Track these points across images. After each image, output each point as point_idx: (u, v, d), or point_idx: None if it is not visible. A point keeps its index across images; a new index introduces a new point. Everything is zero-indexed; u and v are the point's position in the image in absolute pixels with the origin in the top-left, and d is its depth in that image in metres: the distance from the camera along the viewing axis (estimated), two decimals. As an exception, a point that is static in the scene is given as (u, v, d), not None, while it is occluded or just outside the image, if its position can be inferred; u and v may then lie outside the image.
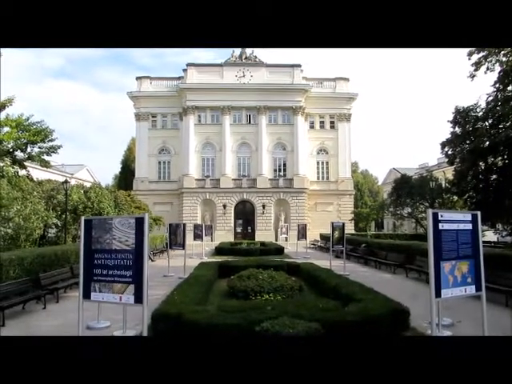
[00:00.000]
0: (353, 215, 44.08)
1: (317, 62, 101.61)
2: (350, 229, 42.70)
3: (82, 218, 5.02)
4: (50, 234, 22.92)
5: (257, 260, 15.71)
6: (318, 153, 44.24)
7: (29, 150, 14.64)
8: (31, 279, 10.43)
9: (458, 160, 25.04)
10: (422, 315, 7.44)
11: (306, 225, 26.81)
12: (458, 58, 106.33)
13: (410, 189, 26.24)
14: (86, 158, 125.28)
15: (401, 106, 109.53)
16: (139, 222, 4.56)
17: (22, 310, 9.71)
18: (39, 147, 14.52)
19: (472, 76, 24.33)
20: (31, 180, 15.83)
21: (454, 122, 24.91)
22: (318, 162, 44.20)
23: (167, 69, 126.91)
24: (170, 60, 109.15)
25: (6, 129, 13.99)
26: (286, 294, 9.35)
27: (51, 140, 14.78)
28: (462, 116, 24.74)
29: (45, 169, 30.90)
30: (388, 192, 59.06)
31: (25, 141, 13.94)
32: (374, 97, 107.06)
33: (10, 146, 14.14)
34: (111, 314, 7.78)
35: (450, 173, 30.05)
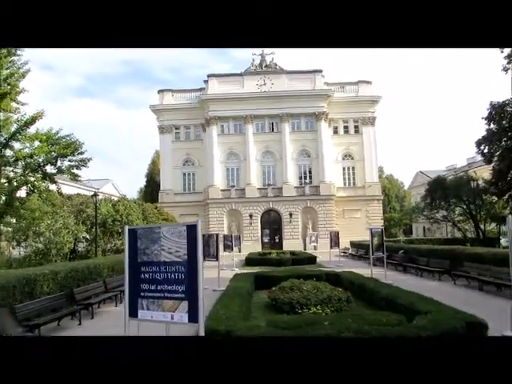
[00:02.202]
0: (382, 221, 42.92)
1: (337, 67, 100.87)
2: (379, 235, 41.52)
3: (126, 228, 4.53)
4: (80, 248, 22.90)
5: (292, 270, 15.04)
6: (344, 158, 43.30)
7: (59, 163, 14.47)
8: (65, 294, 10.09)
9: (495, 158, 23.83)
10: (492, 327, 6.64)
11: (338, 232, 25.90)
12: (479, 56, 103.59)
13: (445, 191, 25.07)
14: (110, 173, 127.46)
15: (423, 107, 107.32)
16: (191, 230, 4.04)
17: (57, 326, 9.34)
18: (69, 160, 14.34)
19: (506, 69, 23.26)
20: (61, 194, 15.66)
21: (489, 119, 23.77)
22: (343, 168, 43.23)
23: (186, 82, 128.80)
24: (188, 74, 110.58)
25: (37, 143, 13.92)
26: (335, 306, 8.67)
27: (81, 153, 14.60)
28: (497, 112, 23.58)
29: (72, 183, 31.28)
30: (420, 195, 57.58)
31: (55, 154, 13.78)
32: (395, 99, 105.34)
33: (40, 160, 14.04)
34: (151, 331, 7.26)
35: (482, 173, 28.71)
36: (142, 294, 4.34)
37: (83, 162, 14.75)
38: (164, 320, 4.18)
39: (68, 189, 27.57)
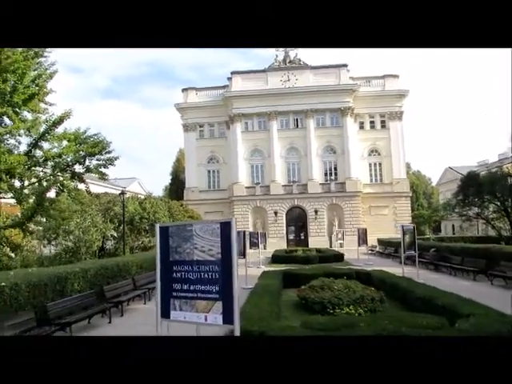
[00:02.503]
0: (410, 218, 41.85)
1: (361, 61, 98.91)
2: (407, 233, 40.45)
3: (157, 226, 4.40)
4: (108, 246, 23.26)
5: (320, 268, 14.73)
6: (370, 154, 42.39)
7: (87, 162, 14.61)
8: (95, 292, 10.15)
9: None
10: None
11: (366, 229, 25.29)
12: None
13: (479, 187, 24.06)
14: (135, 172, 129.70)
15: (452, 101, 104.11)
16: (225, 228, 3.86)
17: (87, 324, 9.40)
18: (97, 159, 14.45)
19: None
20: (89, 193, 15.85)
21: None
22: (370, 164, 42.32)
23: (209, 81, 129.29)
24: (211, 72, 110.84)
25: (65, 142, 14.09)
26: (368, 306, 8.35)
27: (108, 152, 14.69)
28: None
29: (100, 183, 31.84)
30: (450, 191, 55.84)
31: (83, 154, 13.92)
32: (420, 94, 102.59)
33: (69, 159, 14.21)
34: (181, 331, 7.15)
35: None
36: (174, 293, 4.19)
37: (110, 161, 14.83)
38: (197, 321, 4.02)
39: (96, 188, 28.05)
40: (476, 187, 23.99)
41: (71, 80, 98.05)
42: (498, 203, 25.03)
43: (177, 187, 53.08)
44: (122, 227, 20.95)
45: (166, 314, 4.26)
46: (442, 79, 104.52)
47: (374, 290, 9.23)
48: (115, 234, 22.58)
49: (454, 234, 47.10)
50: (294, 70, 41.67)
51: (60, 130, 14.06)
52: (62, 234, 18.85)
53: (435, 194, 70.97)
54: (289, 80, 41.31)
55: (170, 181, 60.28)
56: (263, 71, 42.64)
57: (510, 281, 13.18)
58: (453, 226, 52.63)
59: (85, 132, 14.51)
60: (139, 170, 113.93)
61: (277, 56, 42.56)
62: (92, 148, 13.50)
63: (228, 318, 3.78)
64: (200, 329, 6.01)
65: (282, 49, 42.42)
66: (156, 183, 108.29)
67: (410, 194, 44.13)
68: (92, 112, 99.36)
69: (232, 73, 42.79)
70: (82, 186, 15.94)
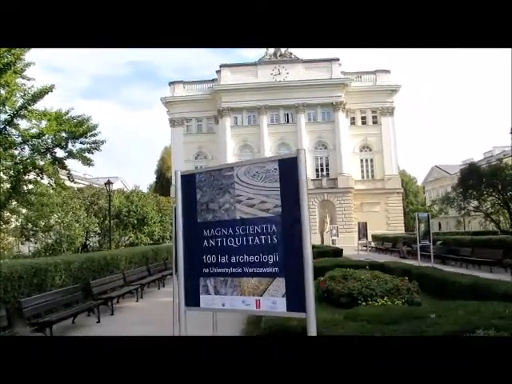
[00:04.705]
0: (403, 214, 41.31)
1: (352, 56, 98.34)
2: (399, 229, 39.76)
3: (179, 173, 3.08)
4: (91, 243, 21.60)
5: (329, 261, 13.48)
6: (361, 150, 41.61)
7: (70, 146, 13.08)
8: (80, 287, 8.70)
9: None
10: None
11: (366, 223, 24.29)
12: (494, 53, 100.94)
13: (480, 178, 23.34)
14: (118, 172, 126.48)
15: (435, 102, 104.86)
16: (288, 167, 2.58)
17: (71, 324, 7.96)
18: (81, 142, 12.93)
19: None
20: (72, 181, 14.26)
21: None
22: (361, 160, 41.53)
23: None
24: (195, 74, 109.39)
25: (45, 122, 12.53)
26: (405, 297, 7.17)
27: (94, 135, 13.20)
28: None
29: (82, 181, 30.03)
30: (437, 190, 55.47)
31: (65, 135, 12.39)
32: (405, 93, 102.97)
33: (49, 141, 12.66)
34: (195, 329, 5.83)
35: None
36: (205, 270, 2.86)
37: (96, 145, 13.36)
38: (244, 309, 2.71)
39: (77, 186, 26.30)
40: (478, 179, 23.26)
41: (50, 79, 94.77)
42: (498, 195, 24.39)
43: (162, 185, 51.60)
44: (107, 222, 19.35)
45: (192, 300, 2.92)
46: (427, 79, 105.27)
47: (406, 279, 8.03)
48: (99, 230, 20.97)
49: (440, 231, 46.52)
50: (284, 64, 40.61)
51: (40, 106, 12.53)
52: (41, 228, 17.17)
53: (420, 192, 71.34)
54: (279, 74, 40.22)
55: (154, 179, 58.57)
56: (253, 64, 41.49)
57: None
58: (439, 223, 52.40)
59: (67, 112, 12.99)
60: (122, 171, 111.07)
61: (267, 49, 41.41)
62: (75, 127, 11.97)
63: (296, 302, 2.48)
64: (219, 323, 4.73)
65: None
66: (140, 182, 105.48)
67: (402, 191, 43.56)
68: (74, 112, 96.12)
69: (221, 66, 41.46)
70: (64, 174, 14.42)
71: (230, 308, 2.76)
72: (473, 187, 24.14)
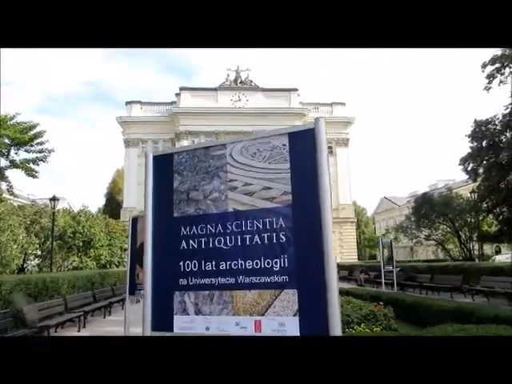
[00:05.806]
0: (356, 244, 41.92)
1: (311, 87, 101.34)
2: (353, 258, 40.18)
3: (150, 154, 2.35)
4: (29, 267, 19.56)
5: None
6: (318, 179, 42.21)
7: (12, 154, 11.78)
8: (11, 313, 7.41)
9: (482, 175, 23.63)
10: None
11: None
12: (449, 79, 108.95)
13: (433, 208, 24.13)
14: (65, 193, 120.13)
15: (380, 135, 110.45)
16: (301, 142, 1.98)
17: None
18: (25, 150, 11.66)
19: (488, 88, 23.50)
20: (12, 194, 12.79)
21: (473, 137, 23.78)
22: (317, 189, 42.05)
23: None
24: (155, 99, 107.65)
25: (-16, 128, 11.20)
26: (383, 324, 6.65)
27: (40, 143, 12.00)
28: (480, 130, 23.69)
29: (24, 200, 27.62)
30: (387, 221, 57.19)
31: (7, 141, 11.12)
32: (358, 125, 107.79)
33: (-13, 149, 11.31)
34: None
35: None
36: (182, 281, 2.10)
37: (43, 155, 12.14)
38: (239, 333, 1.98)
39: (19, 203, 24.10)
40: (430, 208, 24.05)
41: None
42: (449, 224, 25.36)
43: (111, 208, 49.19)
44: (49, 243, 17.61)
45: (162, 322, 2.16)
46: (374, 110, 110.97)
47: (382, 304, 7.55)
48: (39, 253, 19.07)
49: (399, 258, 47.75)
50: (245, 91, 40.88)
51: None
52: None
53: (370, 223, 73.72)
54: (239, 100, 40.38)
55: (104, 202, 55.86)
56: (214, 89, 41.40)
57: (492, 297, 12.30)
58: (396, 251, 53.84)
59: (13, 117, 11.72)
60: (69, 192, 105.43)
61: (228, 75, 41.65)
62: (20, 133, 10.76)
63: (314, 322, 1.81)
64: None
65: (233, 68, 41.69)
66: (88, 205, 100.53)
67: (356, 220, 44.40)
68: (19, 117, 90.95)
69: (181, 88, 41.02)
70: (3, 186, 12.95)
71: (218, 333, 2.03)
72: (425, 216, 24.86)
